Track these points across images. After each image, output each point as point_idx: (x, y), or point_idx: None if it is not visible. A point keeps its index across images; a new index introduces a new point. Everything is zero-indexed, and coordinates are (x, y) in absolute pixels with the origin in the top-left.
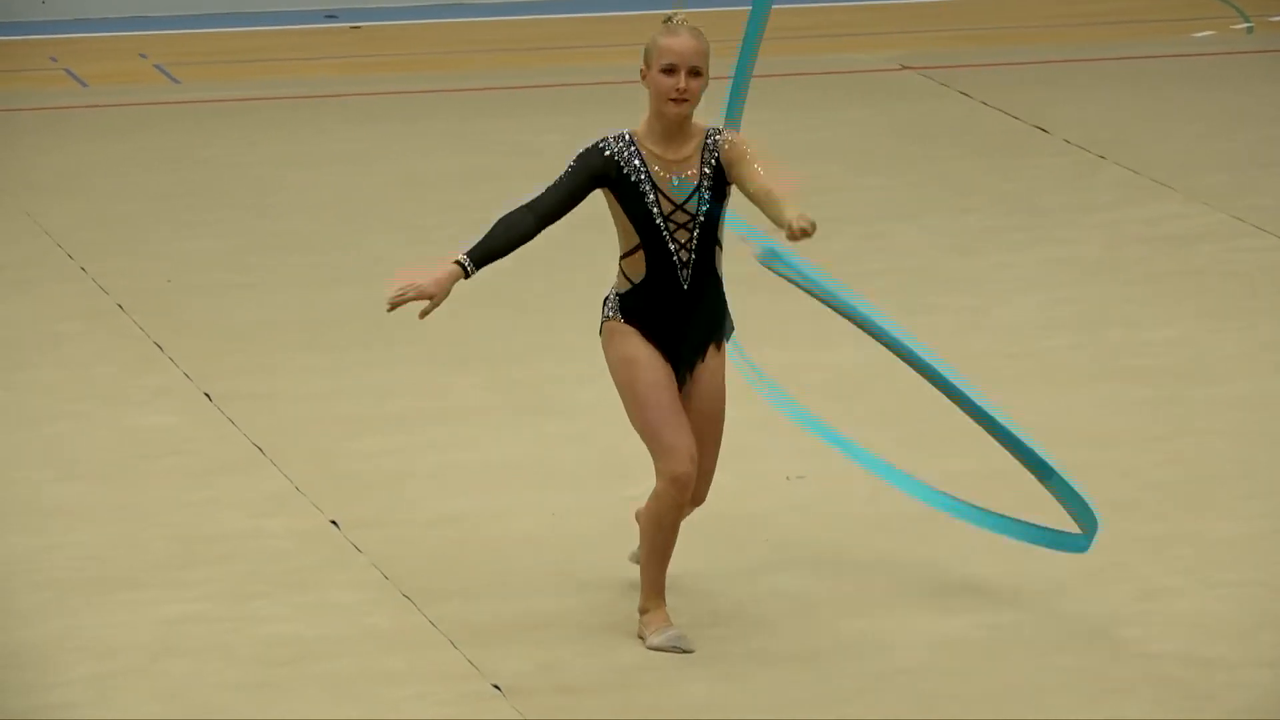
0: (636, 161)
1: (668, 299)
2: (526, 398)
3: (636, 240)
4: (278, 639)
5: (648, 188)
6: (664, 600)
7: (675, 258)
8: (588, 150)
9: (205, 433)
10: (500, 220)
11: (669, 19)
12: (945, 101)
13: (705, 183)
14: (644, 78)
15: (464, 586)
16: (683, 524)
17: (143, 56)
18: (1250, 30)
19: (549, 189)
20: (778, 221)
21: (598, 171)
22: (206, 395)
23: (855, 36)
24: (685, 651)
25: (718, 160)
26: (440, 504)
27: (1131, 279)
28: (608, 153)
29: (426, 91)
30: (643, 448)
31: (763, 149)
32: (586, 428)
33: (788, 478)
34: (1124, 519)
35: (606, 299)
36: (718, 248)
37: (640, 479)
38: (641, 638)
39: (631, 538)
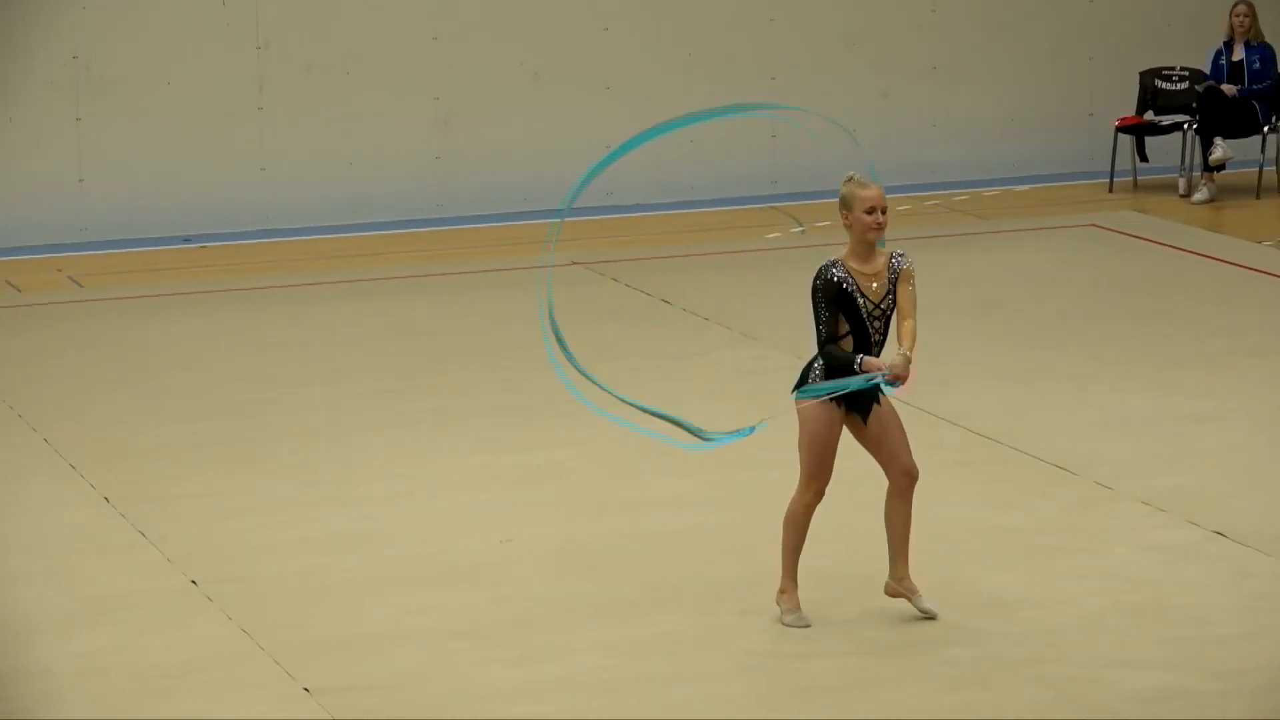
0: (849, 276)
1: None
2: (338, 490)
3: (847, 329)
4: (161, 661)
5: (855, 292)
6: (795, 584)
7: (872, 340)
8: (825, 280)
9: (104, 524)
10: (826, 352)
11: (851, 178)
12: (600, 286)
13: (890, 289)
14: (846, 219)
15: (288, 619)
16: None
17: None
18: (803, 231)
19: (824, 320)
20: (896, 337)
21: (836, 288)
22: (105, 499)
23: (537, 243)
24: (804, 627)
25: (896, 274)
26: (274, 566)
27: (731, 398)
28: (836, 276)
29: (337, 282)
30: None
31: (915, 277)
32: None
33: (500, 541)
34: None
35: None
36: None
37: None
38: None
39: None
